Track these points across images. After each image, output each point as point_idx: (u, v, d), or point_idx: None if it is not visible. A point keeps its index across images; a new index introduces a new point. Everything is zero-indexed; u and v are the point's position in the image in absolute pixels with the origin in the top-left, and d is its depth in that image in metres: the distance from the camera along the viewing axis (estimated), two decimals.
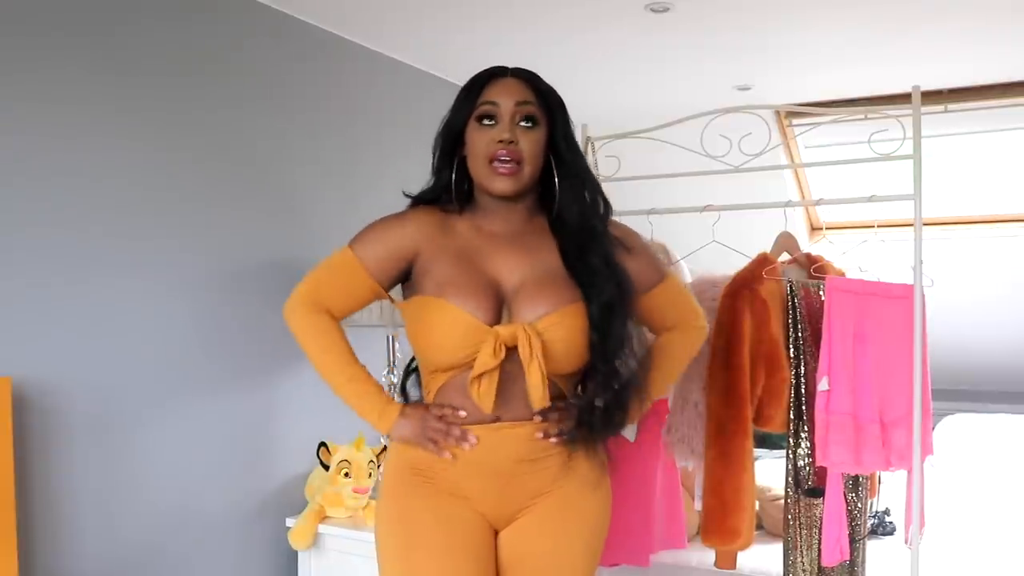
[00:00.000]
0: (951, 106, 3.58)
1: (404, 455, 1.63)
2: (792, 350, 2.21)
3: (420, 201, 1.67)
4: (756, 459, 2.29)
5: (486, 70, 1.63)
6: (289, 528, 2.59)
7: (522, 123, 1.57)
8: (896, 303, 2.12)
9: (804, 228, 4.42)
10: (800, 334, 2.21)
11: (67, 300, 2.11)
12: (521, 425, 1.57)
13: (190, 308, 2.42)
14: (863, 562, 2.30)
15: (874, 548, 2.59)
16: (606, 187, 2.67)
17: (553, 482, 1.61)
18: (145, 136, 2.30)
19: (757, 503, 2.66)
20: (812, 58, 3.16)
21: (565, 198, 1.61)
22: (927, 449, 2.15)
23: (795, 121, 3.91)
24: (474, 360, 1.51)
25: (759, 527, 2.77)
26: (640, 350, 1.67)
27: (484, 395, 1.51)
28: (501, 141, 1.55)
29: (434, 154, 1.66)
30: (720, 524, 2.20)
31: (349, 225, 2.87)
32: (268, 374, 2.65)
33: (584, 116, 2.93)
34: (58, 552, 2.08)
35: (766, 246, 2.33)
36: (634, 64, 3.23)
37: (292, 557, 2.65)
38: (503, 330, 1.51)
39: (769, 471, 2.86)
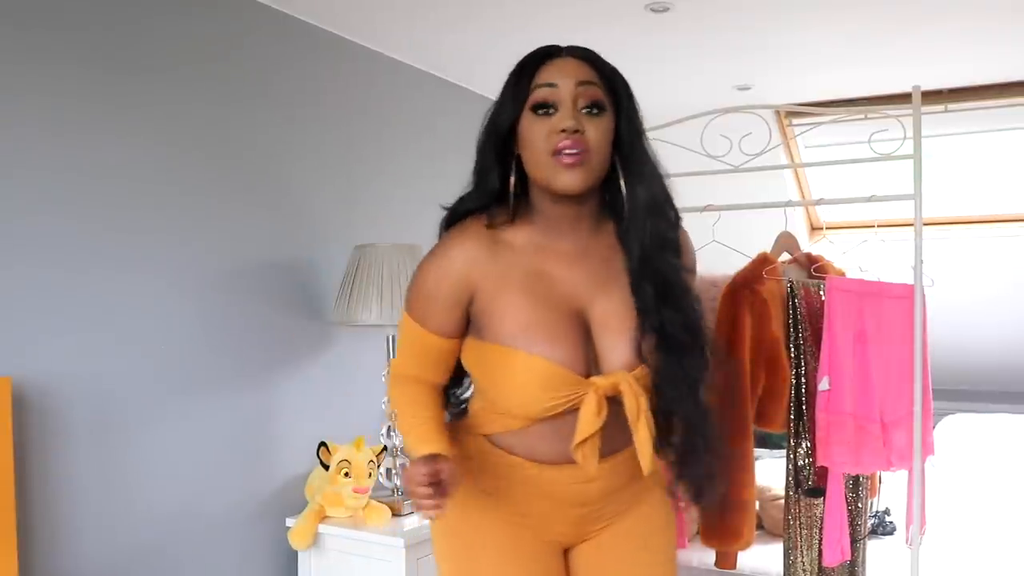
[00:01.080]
0: (951, 106, 3.58)
1: (482, 468, 1.45)
2: (792, 350, 2.21)
3: (460, 215, 1.43)
4: (756, 459, 2.29)
5: (537, 49, 1.36)
6: (289, 528, 2.59)
7: (585, 109, 1.32)
8: (896, 303, 2.12)
9: (804, 228, 4.42)
10: (800, 334, 2.21)
11: (67, 299, 2.11)
12: (611, 459, 1.38)
13: (190, 308, 2.42)
14: (863, 562, 2.30)
15: (874, 548, 2.59)
16: None
17: (630, 503, 1.48)
18: (145, 135, 2.29)
19: (757, 503, 2.66)
20: (812, 58, 3.16)
21: (635, 202, 1.36)
22: (928, 449, 2.15)
23: (795, 121, 3.91)
24: (560, 410, 1.32)
25: (759, 527, 2.77)
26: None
27: (589, 459, 1.31)
28: (564, 130, 1.29)
29: (478, 154, 1.40)
30: (720, 524, 2.20)
31: (349, 224, 2.91)
32: (268, 374, 2.65)
33: None
34: (58, 552, 2.08)
35: (766, 246, 2.33)
36: (634, 64, 3.21)
37: (292, 557, 2.65)
38: (602, 382, 1.31)
39: (769, 471, 2.86)
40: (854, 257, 2.38)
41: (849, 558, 2.17)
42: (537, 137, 1.32)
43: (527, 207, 1.40)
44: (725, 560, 2.31)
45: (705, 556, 2.52)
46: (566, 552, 1.51)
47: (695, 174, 2.42)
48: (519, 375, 1.31)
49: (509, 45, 3.12)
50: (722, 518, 2.19)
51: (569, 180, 1.31)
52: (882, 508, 2.97)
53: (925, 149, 2.08)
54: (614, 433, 1.34)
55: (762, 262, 2.22)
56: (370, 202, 3.04)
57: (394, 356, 2.74)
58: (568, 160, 1.30)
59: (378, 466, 2.62)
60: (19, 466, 1.96)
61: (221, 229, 2.51)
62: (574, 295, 1.36)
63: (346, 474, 2.55)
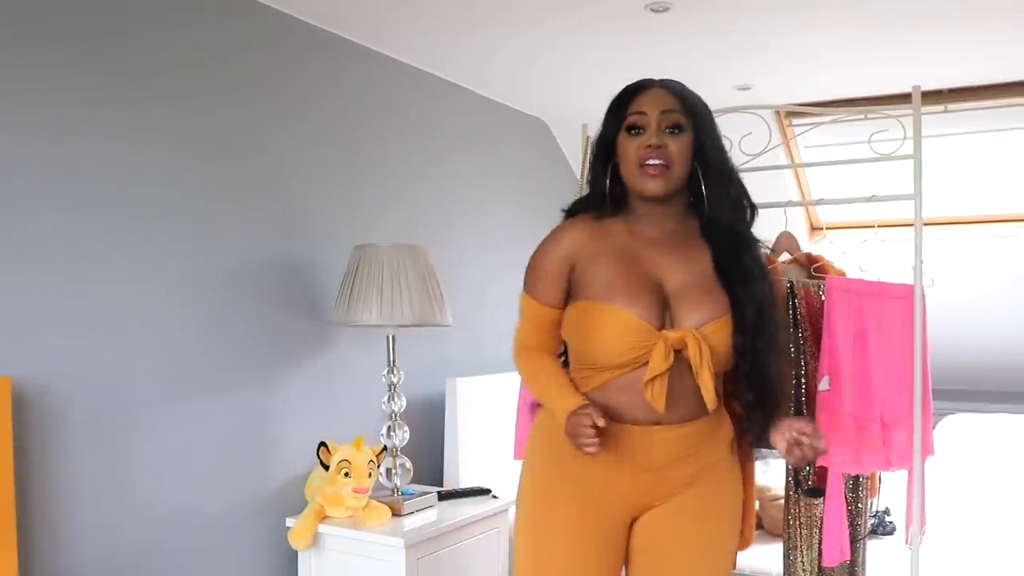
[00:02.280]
0: (951, 106, 3.58)
1: (552, 441, 1.69)
2: (792, 350, 2.21)
3: (575, 212, 1.75)
4: (756, 459, 2.29)
5: (634, 83, 1.72)
6: (289, 528, 2.59)
7: (668, 129, 1.63)
8: (896, 303, 2.12)
9: (804, 228, 4.42)
10: (800, 334, 2.21)
11: (67, 300, 2.11)
12: (680, 427, 1.63)
13: (191, 308, 2.42)
14: (863, 562, 2.30)
15: (874, 548, 2.59)
16: None
17: (700, 470, 1.68)
18: (145, 136, 2.30)
19: (757, 503, 2.66)
20: (812, 58, 3.16)
21: (714, 201, 1.67)
22: (927, 449, 2.15)
23: (795, 121, 3.91)
24: (637, 361, 1.58)
25: (759, 527, 2.77)
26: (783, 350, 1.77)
27: (657, 396, 1.57)
28: (649, 146, 1.61)
29: (590, 166, 1.75)
30: None
31: (350, 225, 2.91)
32: (268, 374, 2.65)
33: (584, 116, 2.93)
34: (58, 552, 2.08)
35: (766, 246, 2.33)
36: (634, 64, 3.23)
37: (292, 557, 2.65)
38: (672, 334, 1.57)
39: (769, 471, 2.86)
40: (854, 257, 2.38)
41: (848, 558, 2.17)
42: (629, 151, 1.64)
43: (625, 206, 1.71)
44: None
45: None
46: (630, 528, 1.72)
47: None
48: (603, 323, 1.59)
49: (510, 47, 3.14)
50: None
51: (653, 187, 1.63)
52: (882, 508, 2.97)
53: (925, 149, 2.09)
54: (684, 400, 1.61)
55: None
56: (370, 202, 3.04)
57: (389, 353, 2.76)
58: (652, 171, 1.62)
59: (378, 466, 2.62)
60: (19, 466, 1.96)
61: (221, 229, 2.51)
62: (656, 270, 1.65)
63: (346, 474, 2.55)
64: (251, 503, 2.59)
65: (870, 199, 2.18)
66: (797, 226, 4.21)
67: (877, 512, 2.93)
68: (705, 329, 1.59)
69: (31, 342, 2.03)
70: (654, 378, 1.56)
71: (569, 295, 1.70)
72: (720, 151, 1.69)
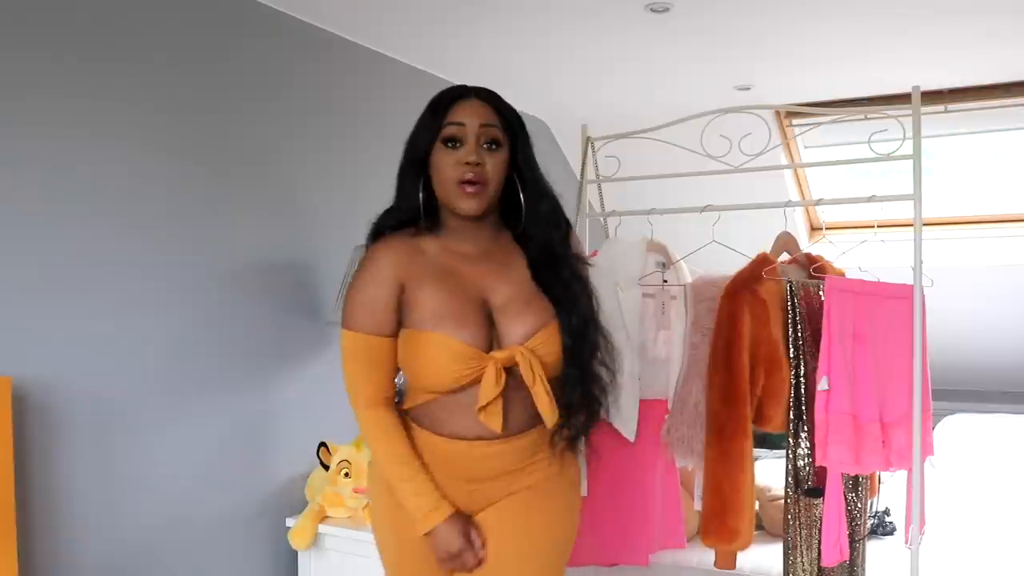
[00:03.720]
0: (951, 106, 3.58)
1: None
2: (792, 350, 2.21)
3: (385, 230, 1.67)
4: (756, 459, 2.29)
5: (449, 90, 1.65)
6: (289, 528, 2.59)
7: (486, 145, 1.60)
8: (896, 303, 2.12)
9: (804, 228, 4.42)
10: (800, 334, 2.21)
11: (67, 300, 2.11)
12: (512, 440, 1.61)
13: (191, 308, 2.42)
14: (863, 562, 2.30)
15: (874, 548, 2.59)
16: (606, 187, 2.71)
17: (525, 488, 1.65)
18: (145, 136, 2.30)
19: (757, 503, 2.66)
20: (812, 58, 3.16)
21: (530, 214, 1.66)
22: (927, 449, 2.15)
23: (795, 121, 3.91)
24: (468, 382, 1.56)
25: (759, 527, 2.76)
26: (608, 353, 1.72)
27: (492, 419, 1.56)
28: (468, 163, 1.57)
29: (399, 177, 1.68)
30: (720, 524, 2.20)
31: (350, 226, 2.90)
32: (268, 374, 2.66)
33: (584, 116, 2.93)
34: (58, 552, 2.08)
35: (766, 246, 2.33)
36: (634, 64, 3.23)
37: (292, 557, 2.65)
38: (500, 355, 1.56)
39: (769, 471, 2.86)
40: (854, 257, 2.37)
41: (848, 558, 2.17)
42: (446, 166, 1.59)
43: (436, 221, 1.67)
44: (725, 560, 2.30)
45: (705, 556, 2.52)
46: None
47: (695, 174, 2.42)
48: (432, 353, 1.56)
49: (512, 46, 3.14)
50: (722, 518, 2.19)
51: (468, 205, 1.59)
52: (882, 508, 2.97)
53: (925, 149, 2.08)
54: (517, 414, 1.60)
55: (762, 262, 2.22)
56: (370, 203, 3.02)
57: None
58: (469, 190, 1.58)
59: None
60: (19, 466, 1.96)
61: (221, 229, 2.51)
62: (478, 286, 1.62)
63: (346, 474, 2.55)
64: (251, 503, 2.59)
65: (870, 199, 2.17)
66: (797, 226, 4.21)
67: (877, 512, 2.93)
68: (533, 341, 1.58)
69: (31, 342, 2.03)
70: (487, 404, 1.55)
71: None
72: (534, 166, 1.66)
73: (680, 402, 2.29)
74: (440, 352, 1.55)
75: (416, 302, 1.60)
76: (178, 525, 2.38)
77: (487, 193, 1.60)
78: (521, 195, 1.65)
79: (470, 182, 1.57)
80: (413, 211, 1.64)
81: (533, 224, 1.66)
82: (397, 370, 1.67)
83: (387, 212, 1.70)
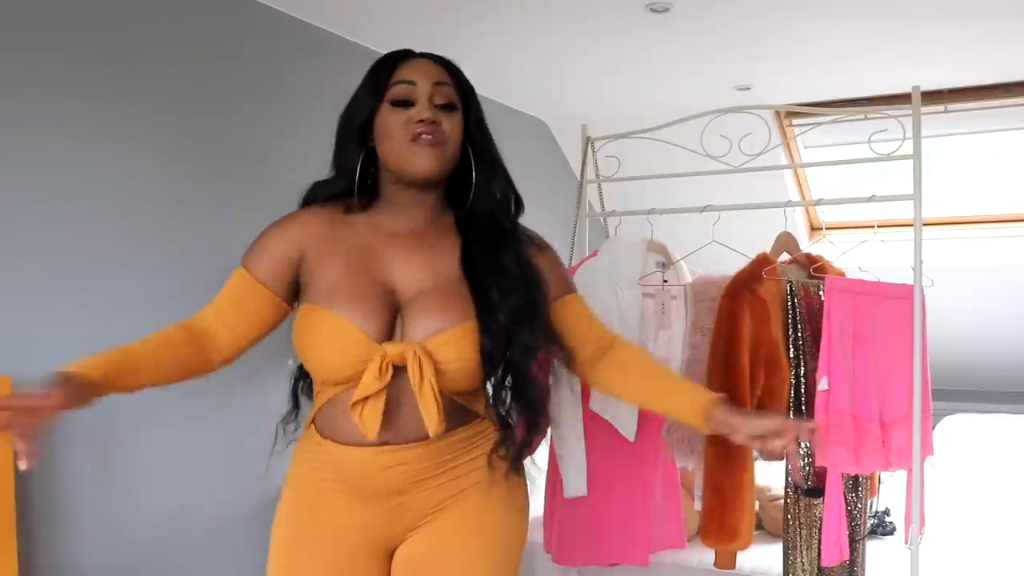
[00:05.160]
0: (951, 106, 3.58)
1: (302, 485, 1.53)
2: (792, 350, 2.21)
3: (315, 200, 1.53)
4: (756, 459, 2.29)
5: (394, 51, 1.49)
6: None
7: (440, 107, 1.42)
8: (895, 303, 2.12)
9: (804, 228, 4.42)
10: (800, 334, 2.21)
11: (67, 300, 2.11)
12: (410, 448, 1.40)
13: (191, 308, 2.41)
14: (863, 562, 2.30)
15: (874, 548, 2.59)
16: (606, 187, 2.71)
17: (451, 497, 1.46)
18: (145, 136, 2.30)
19: (757, 503, 2.66)
20: (812, 58, 3.16)
21: (481, 189, 1.48)
22: (927, 449, 2.15)
23: (795, 121, 3.91)
24: (355, 372, 1.37)
25: (759, 527, 2.77)
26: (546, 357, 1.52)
27: (367, 420, 1.35)
28: (423, 120, 1.39)
29: (337, 146, 1.53)
30: (720, 523, 2.20)
31: None
32: (268, 374, 2.65)
33: (584, 116, 2.93)
34: (58, 552, 2.08)
35: (766, 246, 2.33)
36: (634, 64, 3.23)
37: None
38: (392, 348, 1.36)
39: (769, 471, 2.86)
40: (854, 257, 2.37)
41: (847, 558, 2.17)
42: (396, 127, 1.41)
43: (376, 197, 1.50)
44: (725, 560, 2.30)
45: (705, 556, 2.52)
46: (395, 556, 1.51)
47: (695, 174, 2.42)
48: (321, 332, 1.39)
49: (510, 47, 3.14)
50: (722, 517, 2.19)
51: (427, 162, 1.40)
52: (882, 508, 2.97)
53: (925, 149, 2.09)
54: (414, 421, 1.39)
55: (762, 262, 2.23)
56: None
57: None
58: (427, 140, 1.39)
59: None
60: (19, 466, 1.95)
61: (221, 229, 2.51)
62: (389, 273, 1.44)
63: None
64: (251, 503, 2.59)
65: (870, 199, 2.18)
66: (797, 226, 4.21)
67: (877, 512, 2.93)
68: (434, 341, 1.37)
69: (31, 342, 2.03)
70: (365, 398, 1.34)
71: (297, 294, 1.49)
72: (488, 136, 1.49)
73: None
74: (329, 332, 1.38)
75: (315, 275, 1.44)
76: (178, 525, 2.38)
77: (446, 152, 1.42)
78: (473, 166, 1.47)
79: (426, 134, 1.39)
80: (349, 183, 1.48)
81: (483, 200, 1.48)
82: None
83: (322, 183, 1.54)
